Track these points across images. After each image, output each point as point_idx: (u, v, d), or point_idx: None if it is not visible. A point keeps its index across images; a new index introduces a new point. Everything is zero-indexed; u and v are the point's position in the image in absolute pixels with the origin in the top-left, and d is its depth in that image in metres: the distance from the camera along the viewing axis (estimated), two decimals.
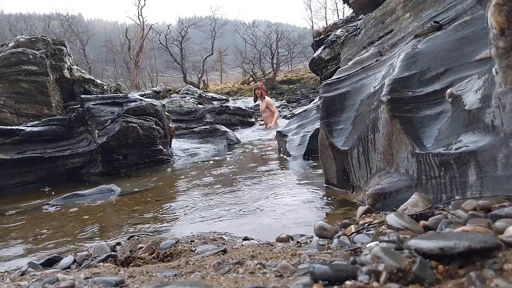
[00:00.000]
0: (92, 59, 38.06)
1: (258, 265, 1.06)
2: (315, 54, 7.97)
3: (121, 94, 7.40)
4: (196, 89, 15.63)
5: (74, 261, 1.65)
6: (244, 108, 12.39)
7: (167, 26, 36.71)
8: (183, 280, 1.02)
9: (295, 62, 38.52)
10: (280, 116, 12.31)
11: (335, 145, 2.67)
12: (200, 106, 11.18)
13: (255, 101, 10.63)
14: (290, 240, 1.67)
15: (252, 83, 30.80)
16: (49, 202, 3.42)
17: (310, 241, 1.56)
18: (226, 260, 1.15)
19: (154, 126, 5.47)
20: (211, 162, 5.13)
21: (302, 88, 25.30)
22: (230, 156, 5.61)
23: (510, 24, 1.28)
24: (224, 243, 1.68)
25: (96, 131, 5.16)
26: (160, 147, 5.53)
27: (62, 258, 1.72)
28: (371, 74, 2.73)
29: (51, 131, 5.24)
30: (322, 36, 8.92)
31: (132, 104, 5.48)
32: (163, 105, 6.14)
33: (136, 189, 3.64)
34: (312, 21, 41.33)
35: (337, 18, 30.41)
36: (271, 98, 11.07)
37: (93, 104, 5.39)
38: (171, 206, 2.89)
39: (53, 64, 11.47)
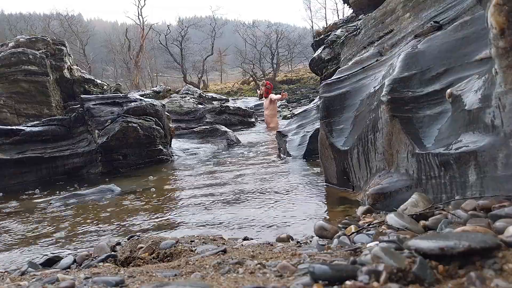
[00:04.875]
0: (92, 59, 38.04)
1: (258, 265, 1.05)
2: (315, 54, 7.95)
3: (121, 94, 7.39)
4: (196, 89, 15.63)
5: (74, 261, 1.65)
6: (244, 108, 12.39)
7: (167, 26, 36.71)
8: (183, 280, 1.02)
9: (295, 62, 38.51)
10: (279, 116, 12.38)
11: (335, 145, 2.67)
12: (200, 106, 11.17)
13: (261, 97, 11.04)
14: (290, 240, 1.67)
15: (252, 83, 30.83)
16: (49, 202, 3.42)
17: (310, 241, 1.56)
18: (226, 260, 1.15)
19: (154, 126, 5.47)
20: (211, 162, 5.13)
21: (302, 88, 25.30)
22: (230, 156, 5.61)
23: (510, 24, 1.28)
24: (224, 243, 1.68)
25: (96, 131, 5.16)
26: (160, 147, 5.53)
27: (62, 258, 1.72)
28: (371, 74, 2.73)
29: (51, 131, 5.23)
30: (322, 36, 8.90)
31: (132, 104, 5.48)
32: (163, 105, 6.13)
33: (136, 189, 3.64)
34: (312, 21, 41.39)
35: (337, 18, 30.41)
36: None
37: (93, 104, 5.39)
38: (171, 206, 2.89)
39: (53, 64, 11.46)
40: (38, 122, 5.65)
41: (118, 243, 1.85)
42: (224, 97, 15.24)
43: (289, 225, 2.09)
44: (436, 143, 1.78)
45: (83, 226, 2.51)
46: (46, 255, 1.87)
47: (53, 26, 37.02)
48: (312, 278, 0.84)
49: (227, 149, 6.49)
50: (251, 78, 32.31)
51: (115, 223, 2.51)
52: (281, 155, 5.01)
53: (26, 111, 10.65)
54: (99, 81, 13.78)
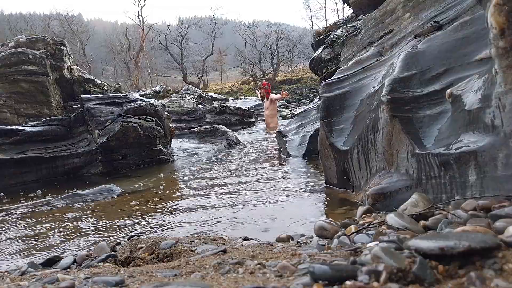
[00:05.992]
0: (92, 59, 38.01)
1: (258, 265, 1.05)
2: (315, 54, 7.95)
3: (121, 94, 7.39)
4: (196, 89, 15.62)
5: (74, 261, 1.65)
6: (244, 108, 12.39)
7: (167, 26, 36.69)
8: (183, 280, 1.02)
9: (295, 62, 38.50)
10: (279, 116, 12.39)
11: (335, 145, 2.67)
12: (200, 106, 11.17)
13: (262, 99, 11.07)
14: (290, 240, 1.67)
15: (252, 83, 30.83)
16: (49, 202, 3.42)
17: (310, 241, 1.55)
18: (226, 260, 1.15)
19: (154, 126, 5.47)
20: (211, 162, 5.13)
21: (302, 88, 25.29)
22: (230, 156, 5.61)
23: (510, 24, 1.28)
24: (224, 243, 1.68)
25: (96, 131, 5.16)
26: (160, 147, 5.53)
27: (62, 258, 1.72)
28: (371, 74, 2.73)
29: (51, 131, 5.23)
30: (322, 36, 8.89)
31: (132, 104, 5.48)
32: (163, 105, 6.14)
33: (136, 189, 3.64)
34: (312, 21, 41.44)
35: (337, 18, 30.40)
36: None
37: (93, 104, 5.39)
38: (171, 206, 2.89)
39: (53, 64, 11.46)
40: (38, 122, 5.65)
41: (118, 243, 1.84)
42: (224, 97, 15.23)
43: (289, 225, 2.09)
44: (436, 143, 1.78)
45: (82, 227, 2.51)
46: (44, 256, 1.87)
47: (53, 26, 36.98)
48: (312, 278, 0.84)
49: (227, 149, 6.49)
50: (251, 78, 32.31)
51: (115, 223, 2.51)
52: (281, 155, 5.01)
53: (26, 111, 10.65)
54: (99, 81, 13.78)
